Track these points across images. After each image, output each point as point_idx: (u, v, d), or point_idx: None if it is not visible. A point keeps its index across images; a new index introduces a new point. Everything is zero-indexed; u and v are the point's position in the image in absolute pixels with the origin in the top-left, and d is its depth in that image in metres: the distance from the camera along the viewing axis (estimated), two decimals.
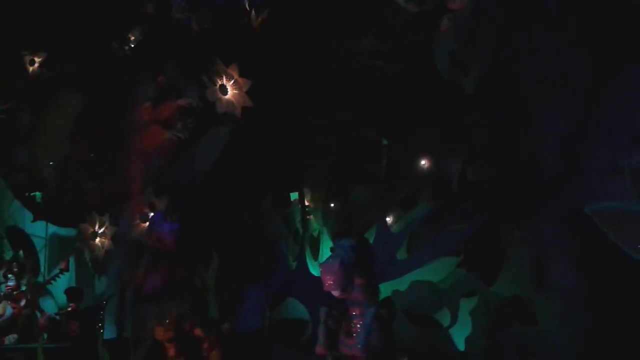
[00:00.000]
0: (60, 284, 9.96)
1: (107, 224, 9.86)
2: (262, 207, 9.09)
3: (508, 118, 6.86)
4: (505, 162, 6.82)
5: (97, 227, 9.90)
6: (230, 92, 8.57)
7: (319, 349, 5.38)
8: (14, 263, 9.45)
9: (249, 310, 8.07)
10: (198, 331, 6.81)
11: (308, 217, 8.84)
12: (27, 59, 10.82)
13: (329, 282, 5.29)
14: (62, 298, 10.27)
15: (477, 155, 7.02)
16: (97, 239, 9.88)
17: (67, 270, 9.43)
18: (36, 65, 10.82)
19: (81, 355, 7.59)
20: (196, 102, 8.44)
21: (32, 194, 10.51)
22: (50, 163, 10.47)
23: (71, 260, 10.25)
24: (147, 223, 9.20)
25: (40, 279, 10.32)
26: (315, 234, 8.92)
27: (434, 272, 7.04)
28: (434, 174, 7.55)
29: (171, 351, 6.81)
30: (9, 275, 9.29)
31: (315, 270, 8.43)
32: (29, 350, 7.93)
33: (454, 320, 6.89)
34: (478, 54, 7.04)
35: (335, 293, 5.34)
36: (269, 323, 8.17)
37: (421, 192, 7.54)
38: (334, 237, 7.84)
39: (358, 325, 5.20)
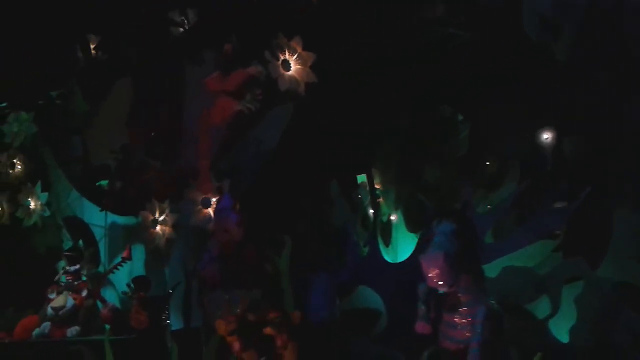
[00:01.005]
0: (121, 274, 9.33)
1: (167, 211, 9.16)
2: (327, 191, 8.31)
3: (609, 86, 5.94)
4: (607, 135, 5.90)
5: (157, 215, 9.22)
6: (294, 68, 7.74)
7: (421, 325, 4.59)
8: (75, 252, 8.79)
9: (318, 300, 7.28)
10: (268, 330, 6.02)
11: (378, 200, 8.02)
12: (81, 44, 10.21)
13: (434, 277, 4.46)
14: (124, 288, 9.67)
15: (574, 128, 6.09)
16: (158, 227, 9.19)
17: (129, 259, 8.76)
18: (91, 50, 10.20)
19: (148, 347, 6.88)
20: (265, 72, 7.60)
21: (98, 183, 9.88)
22: (111, 151, 9.82)
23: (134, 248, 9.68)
24: (210, 209, 8.52)
25: (101, 269, 9.70)
26: (385, 218, 8.10)
27: (527, 257, 6.17)
28: (521, 150, 6.64)
29: (235, 345, 6.05)
30: (70, 266, 8.64)
31: (388, 257, 7.63)
32: (94, 343, 7.25)
33: (555, 309, 6.02)
34: (572, 15, 6.12)
35: (442, 289, 4.52)
36: (340, 313, 7.40)
37: (507, 170, 6.64)
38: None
39: (464, 320, 4.38)
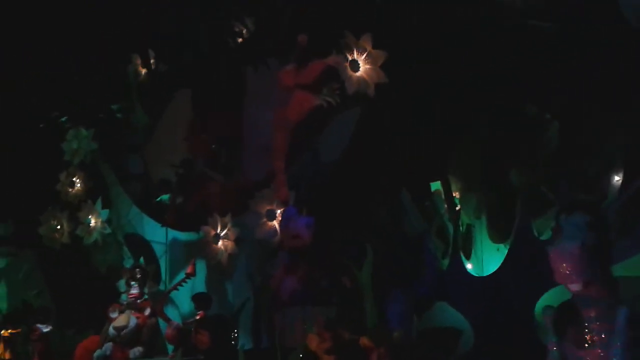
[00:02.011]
0: (182, 292, 8.68)
1: (229, 225, 8.50)
2: (398, 200, 7.52)
3: None
4: None
5: (219, 229, 8.57)
6: (363, 68, 7.00)
7: None
8: (137, 270, 8.17)
9: (393, 318, 6.49)
10: (365, 341, 5.23)
11: (457, 208, 7.19)
12: (142, 56, 9.71)
13: (566, 271, 3.66)
14: (185, 306, 9.03)
15: None
16: (220, 242, 8.53)
17: (193, 275, 8.11)
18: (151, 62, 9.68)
19: None
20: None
21: (158, 198, 9.30)
22: (171, 165, 9.23)
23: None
24: (275, 221, 7.82)
25: (162, 286, 9.08)
26: (463, 228, 7.25)
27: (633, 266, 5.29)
28: (625, 149, 5.76)
29: None
30: (132, 283, 8.02)
31: (472, 270, 6.78)
32: None
33: None
34: None
35: (575, 286, 3.72)
36: (417, 332, 6.58)
37: (608, 173, 5.77)
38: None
39: (603, 335, 3.55)
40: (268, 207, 7.93)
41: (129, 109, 9.60)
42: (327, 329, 5.37)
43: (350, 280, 6.12)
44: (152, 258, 9.32)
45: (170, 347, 8.58)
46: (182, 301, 8.86)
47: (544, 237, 6.15)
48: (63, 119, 9.64)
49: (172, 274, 9.34)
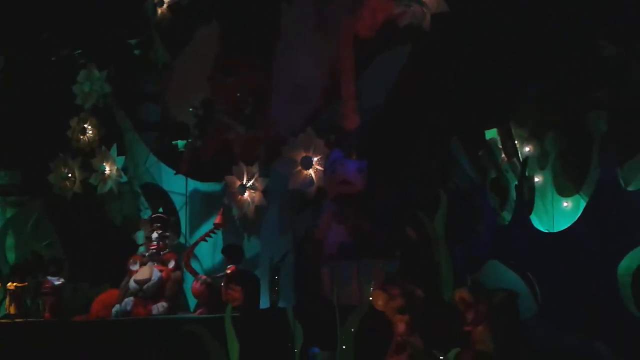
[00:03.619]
0: (203, 245, 7.65)
1: (256, 175, 7.46)
2: (448, 150, 6.51)
3: None
4: None
5: (245, 180, 7.52)
6: None
7: None
8: (160, 219, 7.15)
9: None
10: (464, 294, 4.25)
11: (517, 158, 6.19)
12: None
13: None
14: (207, 260, 8.04)
15: None
16: (246, 193, 7.49)
17: (222, 226, 7.10)
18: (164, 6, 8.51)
19: (263, 325, 5.11)
20: None
21: (173, 142, 8.21)
22: (190, 110, 8.13)
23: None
24: (312, 170, 6.78)
25: (182, 240, 8.07)
26: (526, 180, 6.23)
27: None
28: None
29: (400, 326, 4.32)
30: (154, 233, 7.00)
31: (541, 225, 5.80)
32: (208, 322, 5.48)
33: None
34: None
35: None
36: None
37: None
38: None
39: None
40: (304, 154, 6.89)
41: (148, 45, 8.41)
42: (395, 285, 4.38)
43: (415, 230, 5.13)
44: (171, 209, 8.29)
45: (192, 303, 7.66)
46: (204, 255, 7.87)
47: (632, 187, 5.21)
48: (76, 52, 8.43)
49: (193, 226, 8.33)
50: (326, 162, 6.13)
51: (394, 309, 4.31)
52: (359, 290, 5.07)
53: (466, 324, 4.20)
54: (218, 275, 6.62)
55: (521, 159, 6.07)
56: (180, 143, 8.11)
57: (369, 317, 4.52)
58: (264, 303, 6.51)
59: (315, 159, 6.81)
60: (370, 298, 4.52)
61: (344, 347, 4.41)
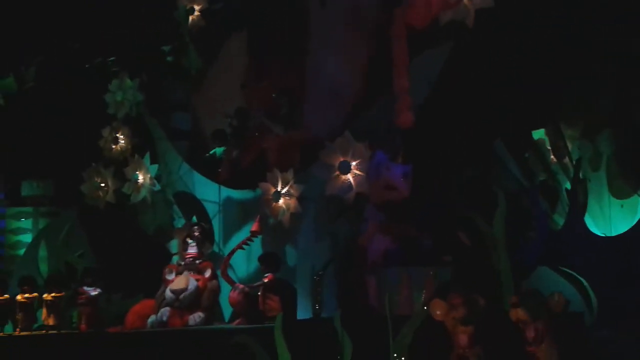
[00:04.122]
0: (237, 254, 7.36)
1: (291, 181, 7.16)
2: (491, 152, 6.16)
3: None
4: None
5: (280, 186, 7.23)
6: None
7: None
8: (196, 227, 6.88)
9: None
10: (520, 314, 3.89)
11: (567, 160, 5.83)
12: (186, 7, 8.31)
13: None
14: (242, 270, 7.74)
15: None
16: (281, 200, 7.19)
17: (259, 232, 6.82)
18: (196, 13, 8.30)
19: (308, 336, 4.78)
20: None
21: (212, 151, 7.95)
22: (224, 115, 7.89)
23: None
24: (350, 174, 6.47)
25: (215, 248, 7.79)
26: (579, 182, 5.85)
27: None
28: None
29: (462, 338, 3.97)
30: (190, 242, 6.73)
31: (597, 229, 5.41)
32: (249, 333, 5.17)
33: None
34: None
35: None
36: None
37: None
38: None
39: None
40: (342, 159, 6.59)
41: (181, 51, 8.19)
42: (456, 293, 4.02)
43: (468, 235, 4.79)
44: (204, 218, 8.03)
45: (227, 313, 7.38)
46: (239, 264, 7.58)
47: None
48: (110, 59, 8.24)
49: (226, 235, 8.06)
50: (369, 165, 5.80)
51: (455, 320, 3.95)
52: (408, 299, 4.74)
53: (528, 344, 3.83)
54: (255, 284, 6.33)
55: (573, 160, 5.70)
56: (219, 150, 7.85)
57: (423, 327, 4.16)
58: (302, 314, 6.22)
59: (353, 163, 6.49)
60: (426, 307, 4.16)
61: (396, 358, 4.07)
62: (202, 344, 5.68)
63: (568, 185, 5.84)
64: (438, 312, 4.03)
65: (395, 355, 4.09)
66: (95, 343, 6.19)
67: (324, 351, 4.37)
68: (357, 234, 5.59)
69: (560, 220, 5.57)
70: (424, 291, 4.57)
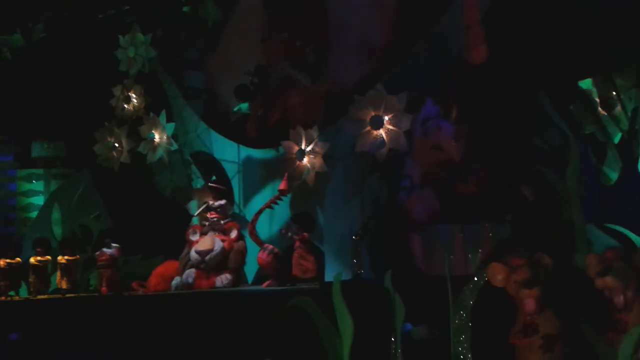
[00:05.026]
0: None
1: (316, 139, 6.66)
2: (535, 103, 5.64)
3: None
4: None
5: (304, 145, 6.74)
6: None
7: None
8: (219, 186, 6.41)
9: None
10: (608, 282, 3.40)
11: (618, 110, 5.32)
12: None
13: None
14: (264, 231, 7.25)
15: None
16: (305, 159, 6.70)
17: (287, 192, 6.34)
18: None
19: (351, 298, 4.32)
20: None
21: (236, 108, 7.41)
22: (245, 73, 7.34)
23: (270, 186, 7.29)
24: (383, 129, 5.96)
25: (236, 209, 7.33)
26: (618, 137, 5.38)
27: None
28: None
29: (529, 304, 3.51)
30: (211, 202, 6.25)
31: None
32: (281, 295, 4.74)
33: None
34: None
35: None
36: None
37: None
38: None
39: None
40: (373, 113, 6.09)
41: (199, 1, 7.58)
42: (515, 254, 3.56)
43: (532, 191, 4.30)
44: (223, 178, 7.54)
45: (250, 275, 6.94)
46: (261, 226, 7.10)
47: None
48: (125, 8, 7.62)
49: (247, 196, 7.58)
50: (416, 119, 5.27)
51: (517, 283, 3.49)
52: (463, 259, 4.29)
53: (617, 311, 3.38)
54: (291, 242, 5.87)
55: (626, 111, 5.20)
56: (243, 107, 7.31)
57: (486, 290, 3.71)
58: (329, 277, 5.79)
59: (386, 117, 6.00)
60: (484, 271, 3.70)
61: (457, 320, 3.63)
62: (231, 306, 5.25)
63: (617, 138, 5.35)
64: (498, 278, 3.57)
65: (457, 316, 3.67)
66: (118, 306, 5.75)
67: (371, 313, 3.92)
68: (397, 191, 5.10)
69: (612, 175, 5.09)
70: (480, 250, 4.11)
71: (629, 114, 5.14)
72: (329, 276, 6.01)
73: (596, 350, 3.28)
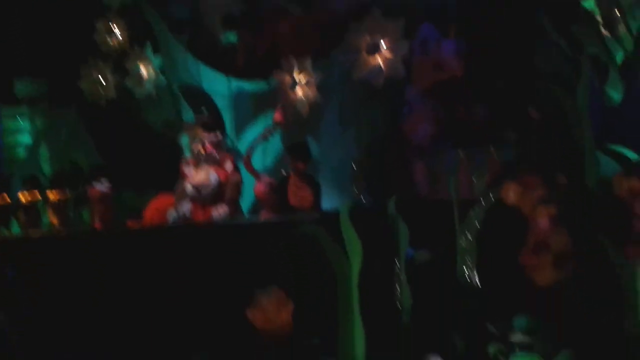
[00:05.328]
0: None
1: (309, 68, 6.43)
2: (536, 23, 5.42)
3: None
4: None
5: (296, 75, 6.51)
6: None
7: None
8: (212, 118, 6.19)
9: None
10: (632, 182, 3.31)
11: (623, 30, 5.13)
12: None
13: None
14: (257, 163, 7.10)
15: None
16: (299, 90, 6.49)
17: (283, 122, 6.16)
18: None
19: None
20: None
21: (224, 39, 7.10)
22: (235, 4, 7.03)
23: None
24: (378, 56, 5.76)
25: (228, 143, 7.13)
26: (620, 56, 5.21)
27: None
28: None
29: (543, 222, 3.43)
30: (205, 134, 6.06)
31: None
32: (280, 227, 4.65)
33: None
34: None
35: None
36: None
37: None
38: None
39: None
40: (370, 40, 5.86)
41: None
42: (530, 172, 3.45)
43: (539, 111, 4.16)
44: (214, 112, 7.31)
45: (245, 206, 6.83)
46: (254, 157, 6.94)
47: None
48: None
49: (238, 129, 7.38)
50: (414, 42, 5.06)
51: (533, 201, 3.39)
52: (468, 182, 4.19)
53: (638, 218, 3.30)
54: (283, 176, 5.73)
55: (631, 30, 5.01)
56: (231, 37, 7.02)
57: (493, 212, 3.62)
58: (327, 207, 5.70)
59: (383, 44, 5.78)
60: (493, 190, 3.59)
61: (462, 243, 3.56)
62: (230, 238, 5.14)
63: (619, 59, 5.18)
64: (512, 195, 3.46)
65: (464, 239, 3.59)
66: (114, 240, 5.62)
67: (375, 240, 3.82)
68: (397, 118, 4.94)
69: (615, 96, 4.95)
70: (487, 173, 4.00)
71: (634, 33, 4.95)
72: (325, 206, 5.94)
73: (615, 263, 3.23)
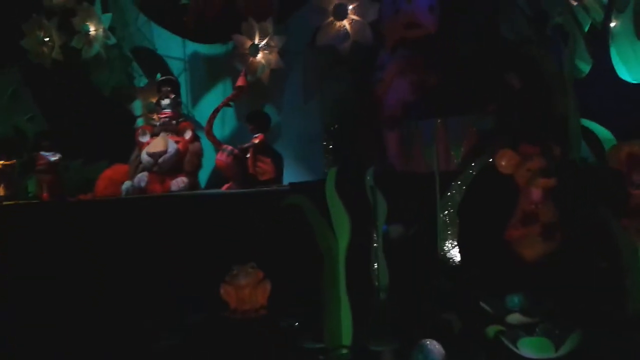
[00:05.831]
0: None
1: (271, 33, 6.09)
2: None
3: None
4: None
5: (257, 39, 6.15)
6: None
7: None
8: (168, 83, 5.78)
9: None
10: (634, 149, 3.17)
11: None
12: None
13: None
14: (217, 132, 6.75)
15: None
16: (260, 55, 6.14)
17: (246, 87, 5.79)
18: None
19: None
20: None
21: None
22: None
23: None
24: (347, 20, 5.45)
25: (184, 110, 6.73)
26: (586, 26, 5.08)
27: None
28: None
29: (536, 193, 3.28)
30: (163, 100, 5.66)
31: (630, 75, 4.69)
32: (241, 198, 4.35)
33: None
34: None
35: None
36: None
37: None
38: None
39: None
40: (337, 2, 5.54)
41: None
42: (529, 141, 3.28)
43: (519, 78, 3.97)
44: (169, 76, 6.86)
45: (203, 179, 6.49)
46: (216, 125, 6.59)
47: None
48: None
49: (194, 95, 6.99)
50: (383, 1, 4.77)
51: (531, 171, 3.24)
52: (445, 153, 3.99)
53: (635, 185, 3.18)
54: (245, 145, 5.41)
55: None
56: None
57: (474, 184, 3.44)
58: (290, 179, 5.43)
59: (350, 7, 5.48)
60: (474, 160, 3.42)
61: (444, 217, 3.38)
62: (190, 210, 4.83)
63: (586, 28, 5.04)
64: (507, 164, 3.30)
65: (446, 212, 3.41)
66: (63, 212, 5.21)
67: (351, 212, 3.59)
68: (365, 85, 4.68)
69: (584, 67, 4.82)
70: (464, 143, 3.82)
71: (604, 1, 4.81)
72: (287, 178, 5.67)
73: (614, 233, 3.11)
